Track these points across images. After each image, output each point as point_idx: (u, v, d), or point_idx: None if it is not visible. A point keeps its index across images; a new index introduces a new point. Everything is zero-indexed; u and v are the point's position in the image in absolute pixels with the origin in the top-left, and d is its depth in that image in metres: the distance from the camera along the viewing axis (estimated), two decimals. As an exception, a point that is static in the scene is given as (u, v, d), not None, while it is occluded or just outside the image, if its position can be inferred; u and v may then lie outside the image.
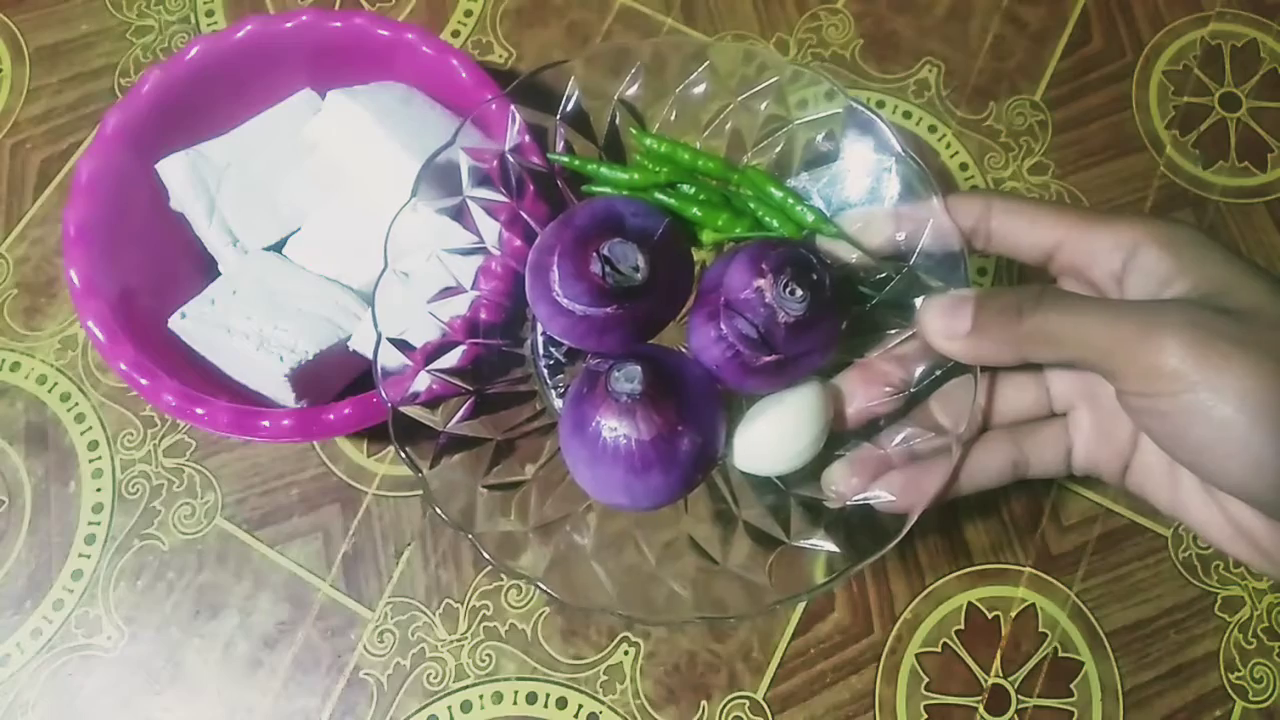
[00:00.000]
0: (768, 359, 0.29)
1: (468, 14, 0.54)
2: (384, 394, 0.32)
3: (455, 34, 0.54)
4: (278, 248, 0.44)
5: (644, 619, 0.30)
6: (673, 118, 0.35)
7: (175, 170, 0.43)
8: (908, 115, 0.52)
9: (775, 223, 0.32)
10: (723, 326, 0.29)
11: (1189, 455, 0.25)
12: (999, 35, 0.54)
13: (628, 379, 0.28)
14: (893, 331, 0.32)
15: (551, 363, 0.35)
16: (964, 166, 0.51)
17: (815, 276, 0.29)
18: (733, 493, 0.33)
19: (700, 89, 0.34)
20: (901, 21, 0.54)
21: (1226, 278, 0.25)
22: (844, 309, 0.31)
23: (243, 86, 0.45)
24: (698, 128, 0.35)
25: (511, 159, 0.34)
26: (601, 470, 0.28)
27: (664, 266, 0.30)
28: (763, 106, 0.35)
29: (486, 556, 0.31)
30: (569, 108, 0.34)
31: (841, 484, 0.30)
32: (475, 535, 0.31)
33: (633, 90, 0.34)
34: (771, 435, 0.30)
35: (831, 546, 0.31)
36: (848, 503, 0.30)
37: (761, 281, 0.29)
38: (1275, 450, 0.23)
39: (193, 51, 0.43)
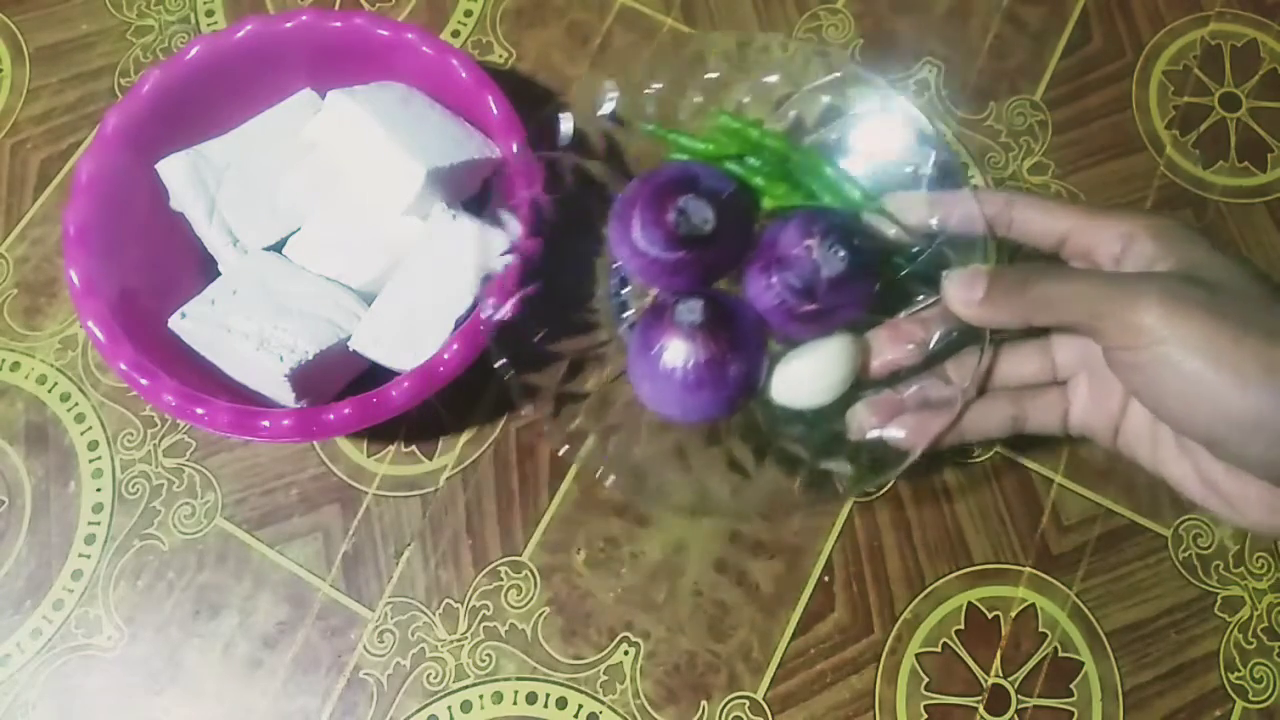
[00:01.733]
0: (809, 308, 0.34)
1: (468, 14, 0.54)
2: (486, 308, 0.37)
3: (455, 34, 0.54)
4: (278, 248, 0.44)
5: (688, 509, 0.37)
6: (746, 100, 0.40)
7: (175, 170, 0.43)
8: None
9: (826, 196, 0.38)
10: (773, 277, 0.34)
11: (1161, 403, 0.29)
12: (999, 35, 0.54)
13: (690, 310, 0.33)
14: (920, 298, 0.37)
15: (620, 301, 0.41)
16: (964, 166, 0.51)
17: (856, 242, 0.34)
18: (768, 421, 0.38)
19: (773, 78, 0.40)
20: (901, 21, 0.54)
21: (1204, 260, 0.29)
22: (878, 273, 0.36)
23: (243, 86, 0.45)
24: (768, 109, 0.41)
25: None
26: (660, 385, 0.34)
27: (728, 222, 0.35)
28: (825, 99, 0.40)
29: (557, 444, 0.36)
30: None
31: (863, 421, 0.35)
32: (548, 430, 0.37)
33: (714, 75, 0.40)
34: (805, 374, 0.35)
35: (848, 469, 0.36)
36: (866, 437, 0.35)
37: (810, 241, 0.34)
38: (1232, 397, 0.26)
39: (193, 51, 0.43)
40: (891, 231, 0.37)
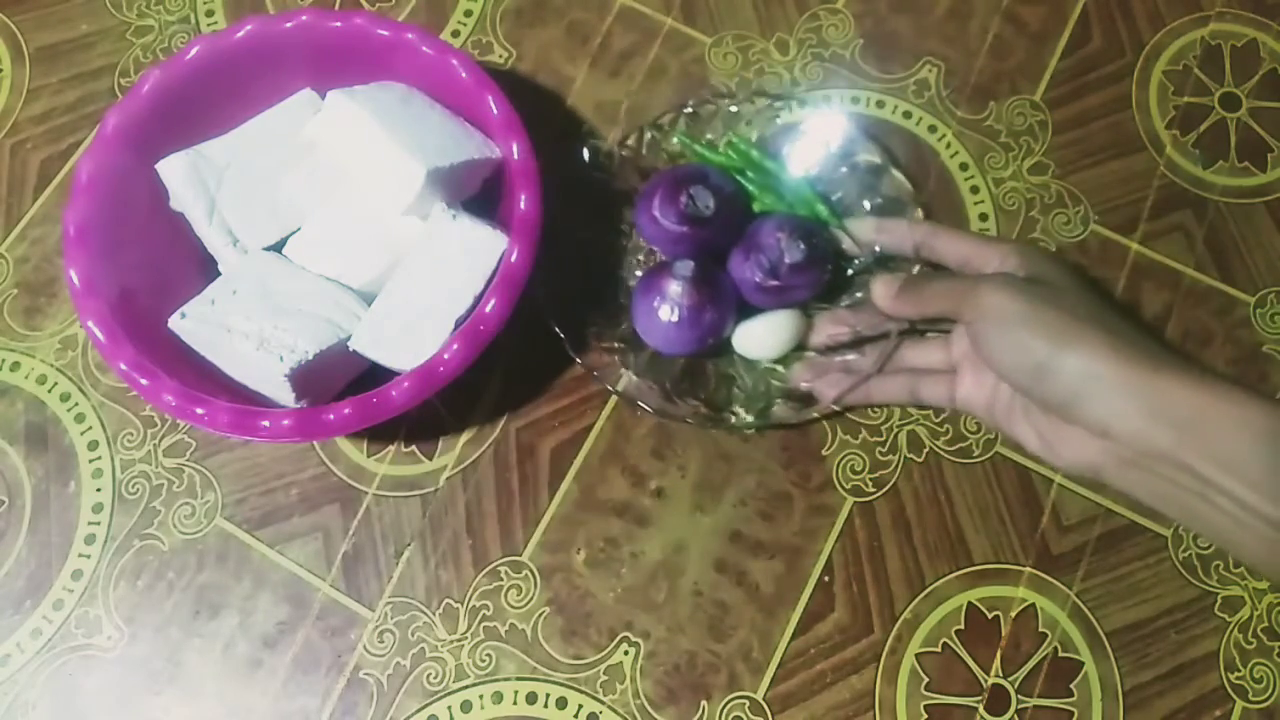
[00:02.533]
0: (772, 283, 0.44)
1: (467, 14, 0.54)
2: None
3: (455, 34, 0.54)
4: (278, 247, 0.44)
5: (673, 416, 0.45)
6: (750, 123, 0.51)
7: (175, 170, 0.43)
8: (908, 115, 0.52)
9: (801, 208, 0.48)
10: (750, 256, 0.44)
11: (993, 357, 0.38)
12: (999, 35, 0.54)
13: (685, 267, 0.43)
14: (859, 294, 0.47)
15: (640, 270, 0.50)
16: (964, 166, 0.51)
17: (814, 241, 0.44)
18: (734, 367, 0.48)
19: (783, 119, 0.51)
20: (901, 21, 0.54)
21: (1048, 270, 0.39)
22: (828, 268, 0.45)
23: (243, 86, 0.45)
24: (767, 131, 0.51)
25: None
26: (655, 322, 0.44)
27: (725, 212, 0.45)
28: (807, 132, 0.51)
29: (594, 374, 0.45)
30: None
31: (799, 375, 0.46)
32: (585, 360, 0.46)
33: (734, 110, 0.51)
34: (761, 333, 0.46)
35: (784, 408, 0.46)
36: (800, 386, 0.46)
37: (780, 234, 0.44)
38: (1032, 348, 0.36)
39: (193, 51, 0.43)
40: (845, 242, 0.47)
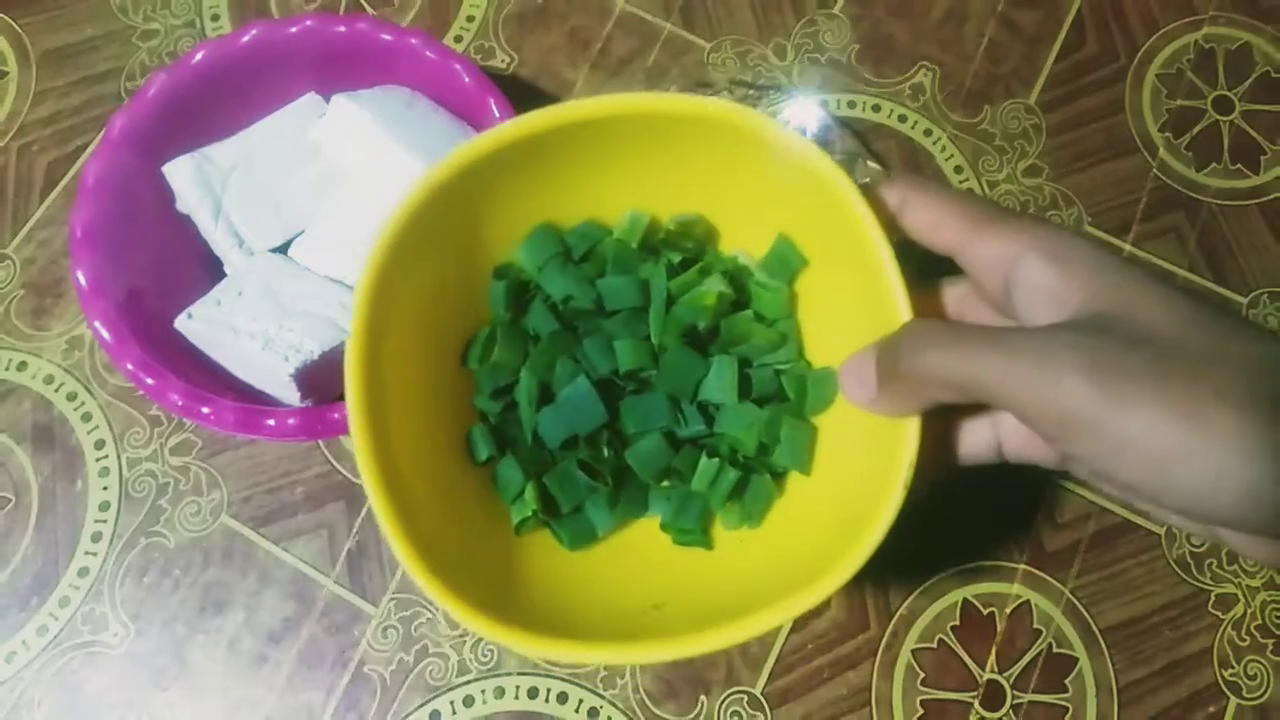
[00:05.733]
0: None
1: (470, 19, 0.55)
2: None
3: (458, 39, 0.54)
4: (283, 249, 0.45)
5: None
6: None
7: (181, 173, 0.44)
8: (903, 119, 0.52)
9: None
10: None
11: (1124, 490, 0.24)
12: (994, 39, 0.54)
13: None
14: None
15: None
16: (959, 170, 0.51)
17: None
18: None
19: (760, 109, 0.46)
20: (897, 26, 0.54)
21: (1123, 294, 0.24)
22: None
23: (248, 90, 0.46)
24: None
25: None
26: None
27: None
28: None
29: None
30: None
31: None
32: None
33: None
34: None
35: None
36: None
37: None
38: (1210, 481, 0.22)
39: (198, 55, 0.44)
40: None
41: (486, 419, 0.33)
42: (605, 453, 0.32)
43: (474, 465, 0.33)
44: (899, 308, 0.26)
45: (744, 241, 0.34)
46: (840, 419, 0.32)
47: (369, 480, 0.27)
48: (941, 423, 0.28)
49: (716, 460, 0.31)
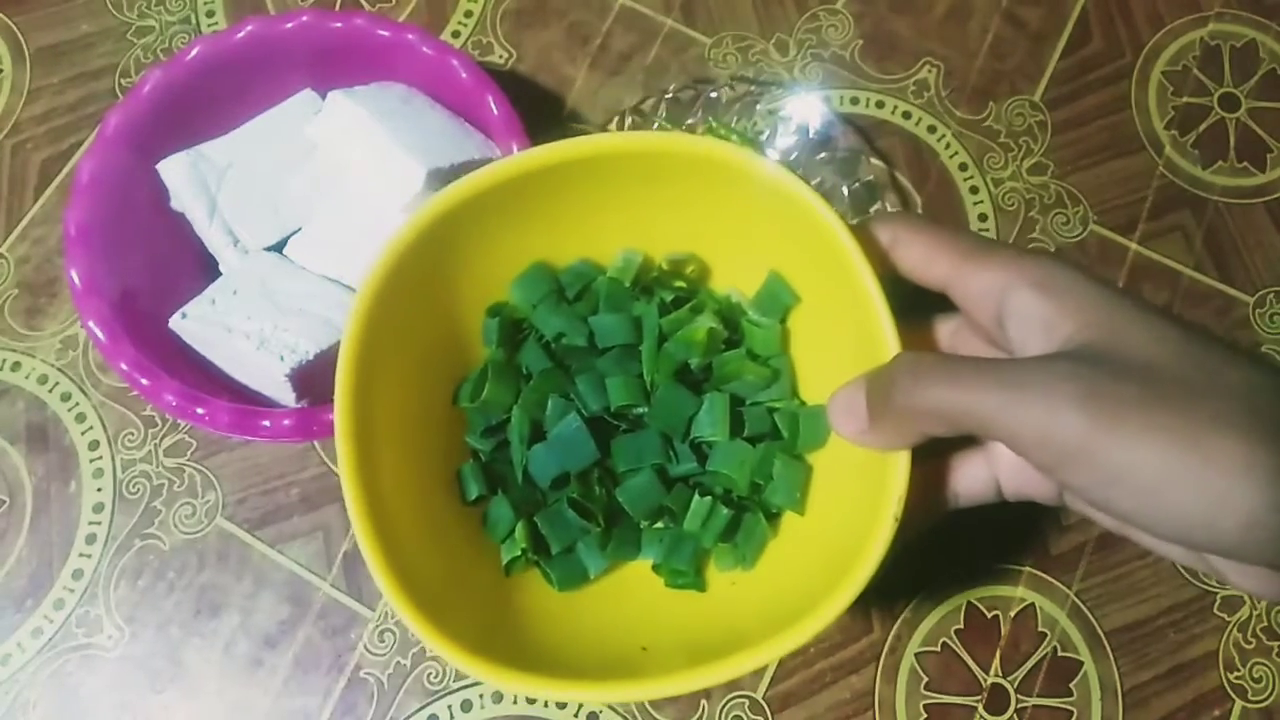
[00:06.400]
0: None
1: (468, 14, 0.54)
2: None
3: (455, 34, 0.54)
4: (278, 248, 0.44)
5: None
6: (735, 110, 0.50)
7: (176, 170, 0.43)
8: (907, 116, 0.52)
9: None
10: None
11: (1119, 516, 0.24)
12: (998, 36, 0.54)
13: None
14: None
15: None
16: (963, 167, 0.51)
17: None
18: None
19: (763, 105, 0.50)
20: (901, 22, 0.54)
21: (1114, 323, 0.24)
22: None
23: (243, 87, 0.45)
24: (748, 118, 0.50)
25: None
26: None
27: None
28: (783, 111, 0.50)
29: None
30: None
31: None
32: None
33: (715, 95, 0.50)
34: None
35: None
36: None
37: None
38: (1202, 511, 0.22)
39: (193, 52, 0.43)
40: None
41: (477, 457, 0.33)
42: (597, 491, 0.32)
43: (464, 504, 0.33)
44: (889, 343, 0.27)
45: (736, 279, 0.34)
46: (833, 457, 0.31)
47: (356, 517, 0.28)
48: (934, 466, 0.28)
49: (709, 499, 0.31)
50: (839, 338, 0.29)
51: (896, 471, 0.26)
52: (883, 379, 0.26)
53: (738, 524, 0.32)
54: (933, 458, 0.28)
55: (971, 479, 0.28)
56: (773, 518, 0.32)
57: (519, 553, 0.31)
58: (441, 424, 0.32)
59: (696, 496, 0.31)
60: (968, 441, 0.29)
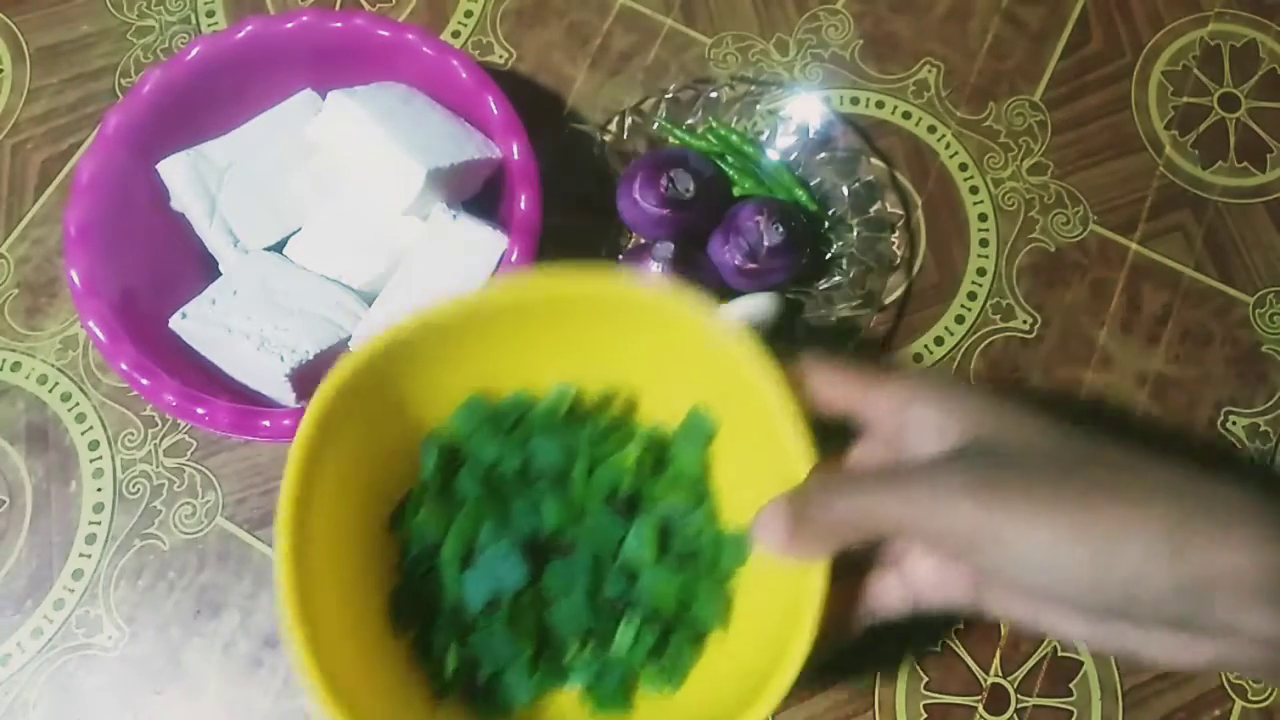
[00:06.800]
0: (751, 266, 0.44)
1: (468, 14, 0.54)
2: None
3: (455, 34, 0.54)
4: (278, 248, 0.45)
5: None
6: (735, 109, 0.51)
7: (176, 170, 0.43)
8: (907, 115, 0.52)
9: (780, 192, 0.48)
10: (729, 239, 0.45)
11: (1019, 588, 0.26)
12: (998, 35, 0.54)
13: (664, 249, 0.43)
14: (837, 278, 0.47)
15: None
16: (964, 167, 0.51)
17: (793, 225, 0.44)
18: None
19: (763, 106, 0.50)
20: (901, 22, 0.54)
21: (993, 421, 0.27)
22: (807, 252, 0.46)
23: (243, 87, 0.45)
24: (749, 119, 0.51)
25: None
26: None
27: (705, 195, 0.45)
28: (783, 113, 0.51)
29: None
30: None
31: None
32: None
33: (715, 95, 0.50)
34: (740, 315, 0.43)
35: None
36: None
37: (760, 217, 0.44)
38: (1072, 567, 0.24)
39: (193, 52, 0.43)
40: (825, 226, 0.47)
41: (412, 580, 0.34)
42: (528, 614, 0.33)
43: (398, 627, 0.33)
44: (805, 464, 0.29)
45: (664, 409, 0.36)
46: (754, 575, 0.33)
47: (296, 644, 0.28)
48: (848, 586, 0.30)
49: (638, 620, 0.32)
50: (758, 462, 0.31)
51: (814, 587, 0.27)
52: (801, 496, 0.28)
53: (665, 644, 0.33)
54: (848, 577, 0.30)
55: (884, 596, 0.30)
56: (699, 637, 0.33)
57: (450, 677, 0.32)
58: (379, 546, 0.34)
59: (625, 617, 0.33)
60: (879, 562, 0.31)
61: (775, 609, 0.29)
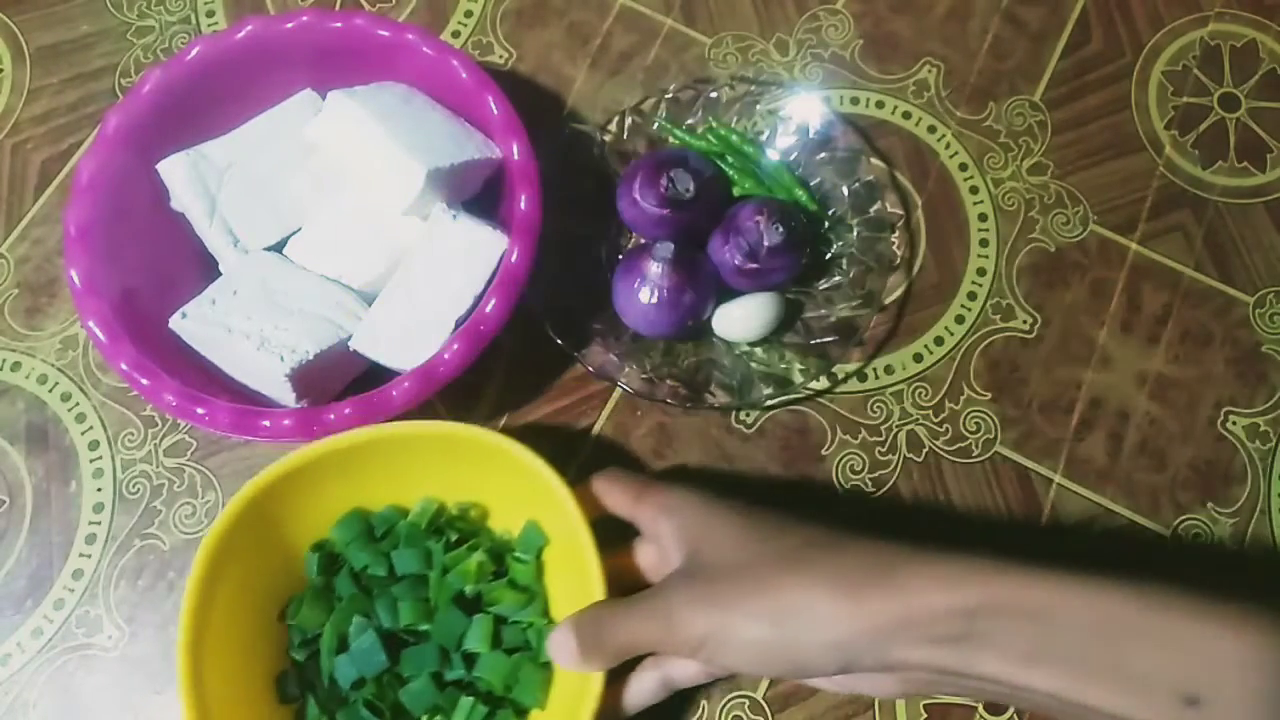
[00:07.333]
0: (751, 266, 0.45)
1: (468, 14, 0.54)
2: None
3: (455, 34, 0.54)
4: (278, 248, 0.45)
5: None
6: (735, 109, 0.51)
7: (176, 170, 0.43)
8: (907, 116, 0.52)
9: (780, 192, 0.48)
10: (729, 239, 0.45)
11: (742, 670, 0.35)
12: (998, 35, 0.54)
13: (664, 249, 0.43)
14: (836, 278, 0.47)
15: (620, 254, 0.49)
16: (963, 167, 0.51)
17: (793, 224, 0.45)
18: (713, 350, 0.48)
19: (763, 106, 0.51)
20: (901, 22, 0.54)
21: (700, 536, 0.35)
22: (807, 252, 0.46)
23: (243, 87, 0.45)
24: (748, 119, 0.51)
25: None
26: (633, 304, 0.44)
27: (705, 196, 0.46)
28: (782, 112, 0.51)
29: (575, 355, 0.45)
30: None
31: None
32: (580, 354, 0.45)
33: (715, 95, 0.50)
34: (741, 315, 0.46)
35: (764, 390, 0.45)
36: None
37: (760, 217, 0.44)
38: (766, 649, 0.32)
39: (193, 52, 0.43)
40: (825, 226, 0.48)
41: (296, 664, 0.41)
42: (387, 693, 0.40)
43: (281, 702, 0.40)
44: (597, 585, 0.36)
45: (508, 522, 0.43)
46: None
47: (185, 708, 0.36)
48: (613, 687, 0.37)
49: (472, 699, 0.39)
50: (573, 571, 0.38)
51: (593, 689, 0.35)
52: (581, 624, 0.35)
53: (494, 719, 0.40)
54: (613, 678, 0.36)
55: (641, 689, 0.37)
56: (522, 712, 0.40)
57: None
58: (271, 635, 0.41)
59: (463, 697, 0.39)
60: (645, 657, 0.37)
61: (573, 694, 0.37)
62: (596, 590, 0.36)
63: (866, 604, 0.30)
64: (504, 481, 0.40)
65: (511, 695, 0.39)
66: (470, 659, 0.40)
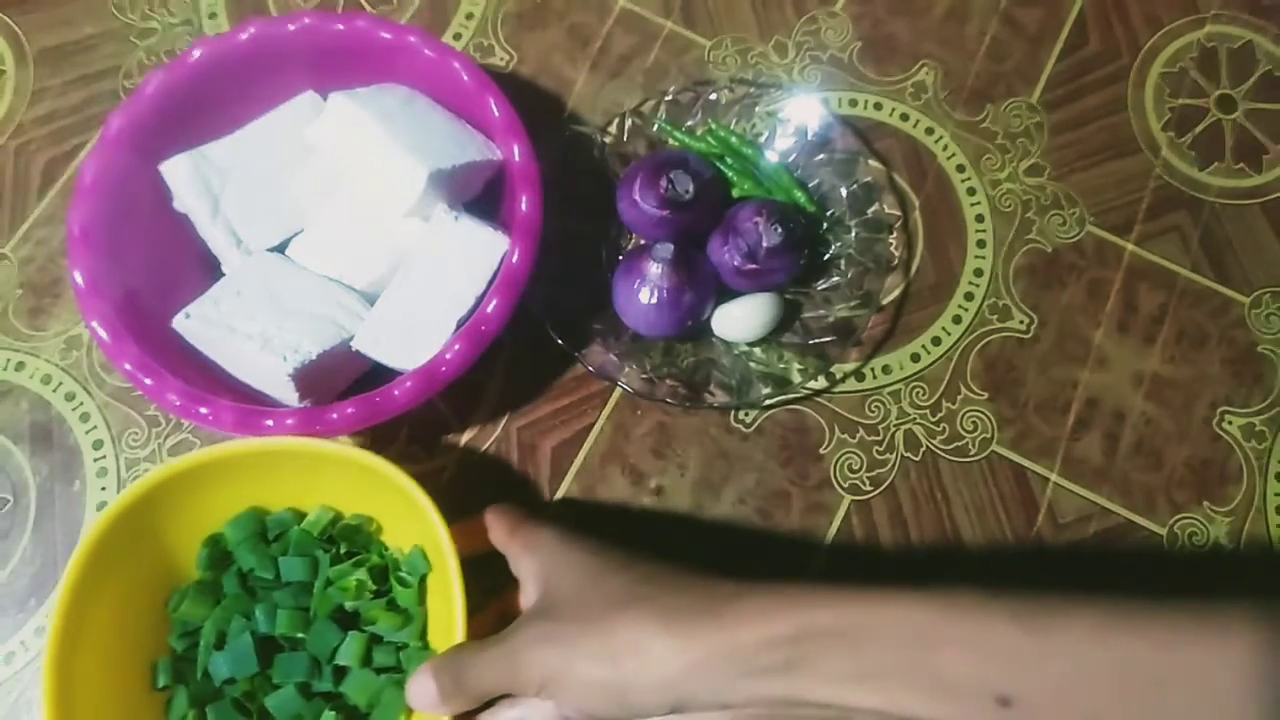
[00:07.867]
0: (750, 267, 0.45)
1: (469, 17, 0.55)
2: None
3: (457, 36, 0.54)
4: (281, 248, 0.45)
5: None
6: (735, 111, 0.51)
7: (179, 171, 0.44)
8: (905, 117, 0.52)
9: (779, 193, 0.49)
10: (728, 240, 0.45)
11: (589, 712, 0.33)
12: (996, 37, 0.54)
13: (664, 250, 0.44)
14: (835, 278, 0.48)
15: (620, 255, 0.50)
16: (961, 168, 0.51)
17: (791, 226, 0.45)
18: (713, 350, 0.48)
19: (761, 108, 0.51)
20: (899, 24, 0.54)
21: (552, 574, 0.35)
22: (806, 252, 0.47)
23: (245, 88, 0.46)
24: (747, 121, 0.51)
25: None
26: (633, 304, 0.45)
27: (704, 197, 0.46)
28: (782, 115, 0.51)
29: (575, 355, 0.46)
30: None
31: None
32: (580, 354, 0.46)
33: (714, 98, 0.50)
34: (741, 315, 0.46)
35: (763, 389, 0.46)
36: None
37: (759, 219, 0.45)
38: (604, 689, 0.32)
39: (196, 54, 0.44)
40: (824, 226, 0.48)
41: (173, 653, 0.41)
42: (256, 695, 0.40)
43: (154, 690, 0.40)
44: (460, 626, 0.36)
45: (399, 541, 0.43)
46: None
47: (46, 696, 0.36)
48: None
49: (334, 714, 0.40)
50: (447, 609, 0.38)
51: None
52: (439, 668, 0.35)
53: None
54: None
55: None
56: None
57: None
58: (155, 623, 0.41)
59: (326, 710, 0.40)
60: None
61: None
62: (458, 632, 0.36)
63: (694, 640, 0.31)
64: (397, 507, 0.40)
65: (372, 716, 0.40)
66: (341, 673, 0.41)
